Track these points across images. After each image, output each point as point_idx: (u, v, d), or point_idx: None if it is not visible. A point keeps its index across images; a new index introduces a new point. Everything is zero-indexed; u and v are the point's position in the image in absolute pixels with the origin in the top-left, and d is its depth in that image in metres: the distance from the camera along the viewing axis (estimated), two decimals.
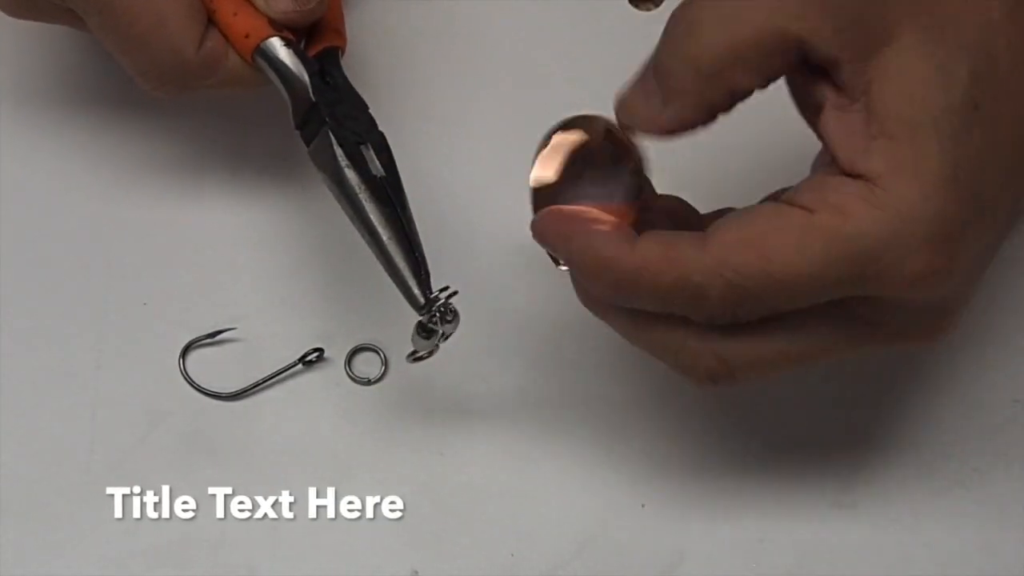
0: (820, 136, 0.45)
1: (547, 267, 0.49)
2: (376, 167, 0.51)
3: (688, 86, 0.44)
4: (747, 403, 0.58)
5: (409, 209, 0.51)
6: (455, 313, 0.51)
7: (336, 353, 0.58)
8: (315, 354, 0.57)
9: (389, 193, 0.51)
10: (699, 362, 0.47)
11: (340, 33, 0.54)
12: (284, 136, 0.61)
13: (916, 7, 0.43)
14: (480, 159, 0.61)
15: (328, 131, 0.51)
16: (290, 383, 0.58)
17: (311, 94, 0.52)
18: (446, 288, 0.51)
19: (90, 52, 0.61)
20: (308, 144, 0.52)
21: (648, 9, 0.65)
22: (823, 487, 0.57)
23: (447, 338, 0.52)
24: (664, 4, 0.64)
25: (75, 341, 0.58)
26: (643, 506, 0.57)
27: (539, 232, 0.47)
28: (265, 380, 0.57)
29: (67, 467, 0.56)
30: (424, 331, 0.51)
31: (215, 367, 0.58)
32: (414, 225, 0.51)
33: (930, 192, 0.42)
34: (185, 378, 0.58)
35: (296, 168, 0.61)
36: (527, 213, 0.48)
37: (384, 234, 0.50)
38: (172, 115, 0.61)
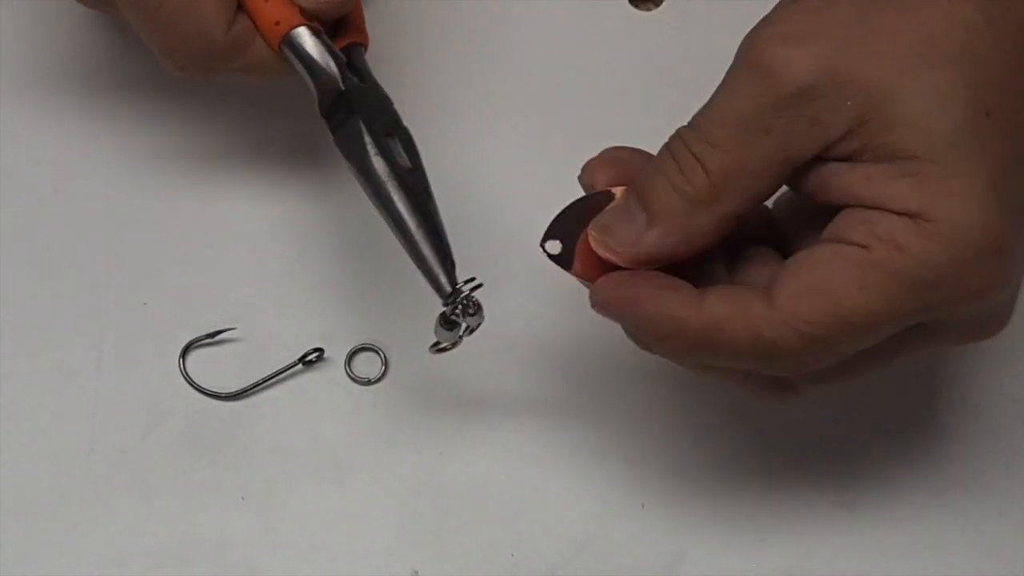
0: (815, 193, 0.44)
1: (548, 267, 0.49)
2: (403, 158, 0.51)
3: (676, 211, 0.45)
4: (747, 403, 0.58)
5: (435, 201, 0.51)
6: (478, 306, 0.50)
7: (336, 353, 0.58)
8: (315, 354, 0.57)
9: (415, 184, 0.51)
10: (766, 397, 0.48)
11: (363, 31, 0.55)
12: (284, 137, 0.61)
13: (892, 48, 0.43)
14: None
15: (358, 120, 0.51)
16: (290, 383, 0.58)
17: (341, 83, 0.52)
18: (471, 280, 0.50)
19: (77, 47, 0.61)
20: (334, 133, 0.52)
21: (648, 9, 0.65)
22: (823, 487, 0.57)
23: (472, 332, 0.51)
24: (664, 4, 0.64)
25: (75, 341, 0.58)
26: (643, 506, 0.57)
27: (602, 300, 0.46)
28: (265, 380, 0.57)
29: (67, 467, 0.56)
30: (447, 322, 0.51)
31: (215, 367, 0.58)
32: (440, 217, 0.51)
33: (973, 210, 0.42)
34: (185, 378, 0.58)
35: (296, 168, 0.61)
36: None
37: (411, 223, 0.50)
38: (171, 116, 0.61)
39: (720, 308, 0.44)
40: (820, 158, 0.44)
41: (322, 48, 0.52)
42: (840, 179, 0.43)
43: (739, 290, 0.45)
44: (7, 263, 0.59)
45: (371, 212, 0.60)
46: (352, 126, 0.52)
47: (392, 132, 0.52)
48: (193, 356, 0.58)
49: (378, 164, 0.51)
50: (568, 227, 0.48)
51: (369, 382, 0.58)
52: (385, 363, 0.58)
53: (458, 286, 0.50)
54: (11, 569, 0.55)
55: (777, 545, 0.56)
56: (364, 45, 0.54)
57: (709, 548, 0.56)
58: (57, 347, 0.58)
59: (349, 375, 0.58)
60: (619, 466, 0.57)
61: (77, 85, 0.62)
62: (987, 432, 0.58)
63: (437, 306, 0.59)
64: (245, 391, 0.57)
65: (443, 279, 0.50)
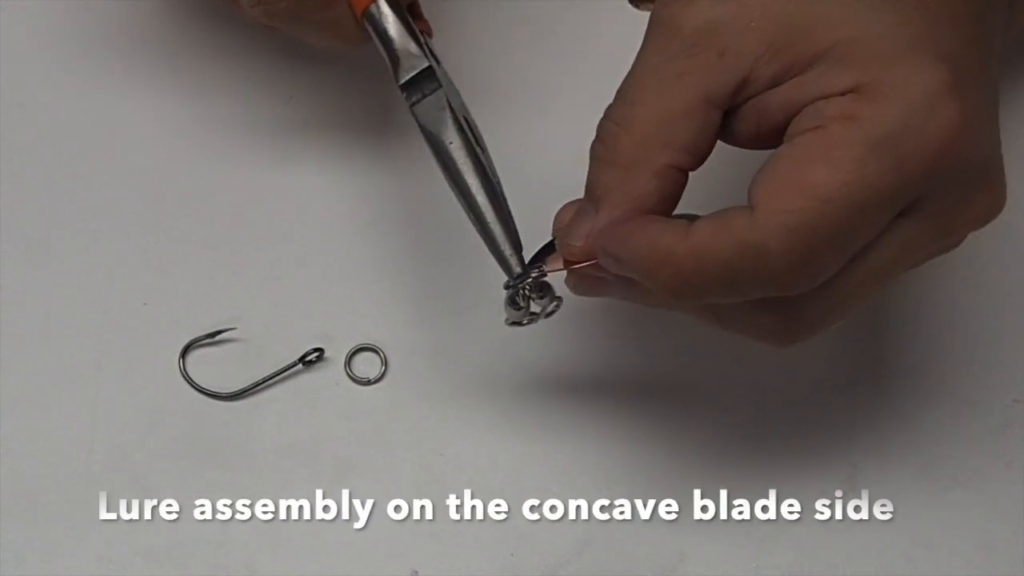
0: (758, 131, 0.44)
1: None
2: (478, 140, 0.52)
3: (613, 184, 0.45)
4: (748, 403, 0.58)
5: (502, 186, 0.51)
6: (544, 288, 0.50)
7: (336, 353, 0.58)
8: (315, 354, 0.57)
9: (486, 166, 0.51)
10: (777, 331, 0.46)
11: (426, 21, 0.55)
12: (283, 138, 0.61)
13: None
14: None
15: (444, 94, 0.52)
16: (290, 383, 0.58)
17: (426, 55, 0.53)
18: (539, 267, 0.50)
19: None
20: (414, 103, 0.53)
21: (648, 9, 0.64)
22: (823, 487, 0.57)
23: (549, 315, 0.51)
24: None
25: (75, 341, 0.58)
26: (643, 506, 0.57)
27: (600, 243, 0.46)
28: (265, 380, 0.57)
29: (67, 467, 0.56)
30: (513, 303, 0.50)
31: (215, 367, 0.58)
32: (506, 201, 0.51)
33: (910, 62, 0.42)
34: (185, 378, 0.58)
35: (296, 169, 0.61)
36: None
37: (480, 200, 0.50)
38: (170, 115, 0.61)
39: (705, 228, 0.43)
40: (747, 94, 0.44)
41: (400, 24, 0.53)
42: (774, 99, 0.43)
43: (723, 210, 0.44)
44: (7, 263, 0.59)
45: (371, 212, 0.60)
46: (435, 98, 0.52)
47: (465, 115, 0.53)
48: (193, 356, 0.58)
49: (458, 136, 0.51)
50: (552, 256, 0.49)
51: (369, 382, 0.58)
52: (385, 363, 0.58)
53: (519, 273, 0.50)
54: (11, 569, 0.55)
55: (777, 545, 0.56)
56: (429, 34, 0.55)
57: (709, 548, 0.56)
58: (57, 347, 0.58)
59: (349, 375, 0.58)
60: (619, 466, 0.57)
61: (76, 86, 0.62)
62: (987, 432, 0.58)
63: (437, 306, 0.59)
64: (245, 391, 0.57)
65: (511, 259, 0.50)
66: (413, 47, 0.53)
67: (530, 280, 0.49)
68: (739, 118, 0.45)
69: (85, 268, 0.59)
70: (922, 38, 0.42)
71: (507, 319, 0.51)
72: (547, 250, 0.49)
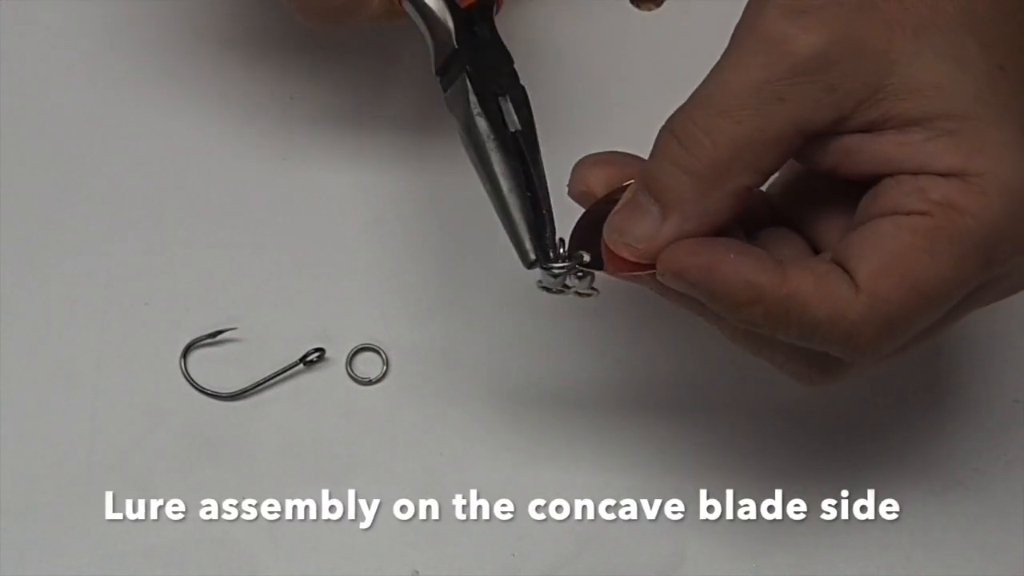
0: (837, 167, 0.44)
1: None
2: (512, 121, 0.50)
3: (689, 194, 0.44)
4: (748, 403, 0.58)
5: (541, 166, 0.50)
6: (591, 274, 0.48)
7: (336, 353, 0.58)
8: (315, 354, 0.57)
9: (521, 147, 0.50)
10: (810, 377, 0.46)
11: None
12: (284, 138, 0.61)
13: (899, 14, 0.42)
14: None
15: (466, 79, 0.51)
16: (290, 383, 0.58)
17: (454, 41, 0.52)
18: (577, 254, 0.48)
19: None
20: (446, 91, 0.52)
21: (648, 9, 0.65)
22: (824, 487, 0.57)
23: (582, 296, 0.49)
24: (664, 4, 0.64)
25: (75, 341, 0.58)
26: (643, 506, 0.57)
27: (675, 269, 0.44)
28: (265, 380, 0.57)
29: (67, 467, 0.56)
30: (553, 276, 0.48)
31: (215, 367, 0.58)
32: (545, 182, 0.49)
33: (1016, 158, 0.42)
34: (185, 378, 0.57)
35: (297, 169, 0.61)
36: None
37: (505, 185, 0.49)
38: (170, 115, 0.61)
39: (805, 281, 0.43)
40: (836, 131, 0.43)
41: (442, 3, 0.52)
42: (869, 148, 0.43)
43: (822, 265, 0.43)
44: (7, 263, 0.59)
45: (371, 212, 0.60)
46: (460, 85, 0.51)
47: (504, 92, 0.51)
48: (193, 356, 0.58)
49: (480, 124, 0.50)
50: (588, 235, 0.47)
51: (369, 382, 0.58)
52: (385, 363, 0.58)
53: (556, 263, 0.48)
54: (11, 569, 0.55)
55: (777, 545, 0.56)
56: (498, 2, 0.53)
57: (709, 548, 0.56)
58: (57, 347, 0.57)
59: (349, 375, 0.58)
60: (619, 466, 0.57)
61: (77, 86, 0.62)
62: (987, 432, 0.58)
63: (438, 306, 0.59)
64: (245, 391, 0.57)
65: (528, 245, 0.48)
66: (448, 28, 0.52)
67: (569, 269, 0.47)
68: (821, 149, 0.44)
69: (85, 268, 0.59)
70: (1021, 129, 0.42)
71: (540, 283, 0.49)
72: (584, 230, 0.47)
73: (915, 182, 0.42)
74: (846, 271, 0.43)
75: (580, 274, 0.48)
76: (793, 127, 0.43)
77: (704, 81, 0.44)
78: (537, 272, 0.48)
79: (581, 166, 0.48)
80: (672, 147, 0.44)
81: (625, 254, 0.45)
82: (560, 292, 0.49)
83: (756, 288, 0.43)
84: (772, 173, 0.44)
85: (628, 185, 0.47)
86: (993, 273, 0.43)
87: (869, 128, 0.43)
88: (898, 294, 0.42)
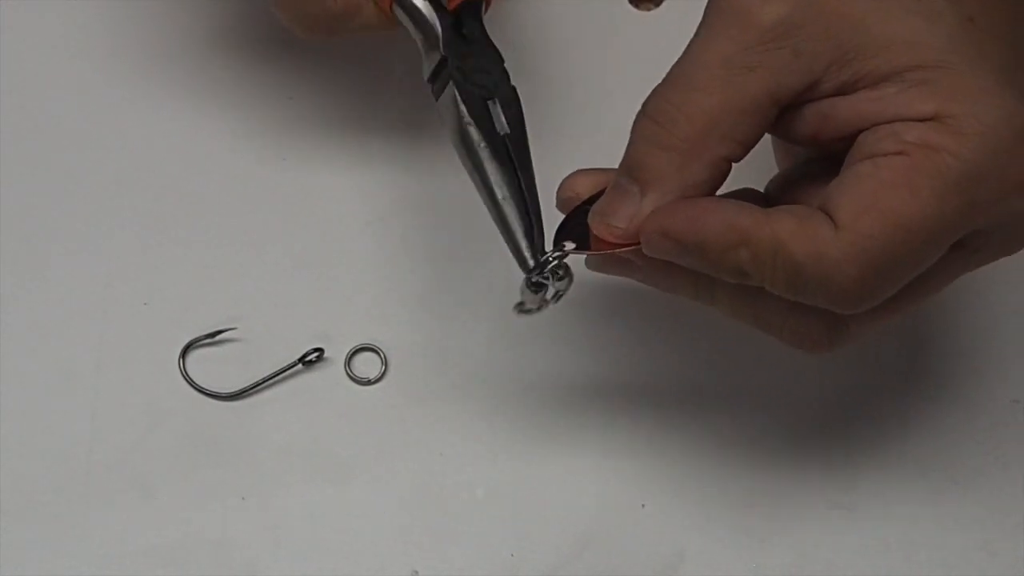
0: (817, 132, 0.44)
1: None
2: (501, 124, 0.50)
3: (667, 169, 0.44)
4: (748, 403, 0.58)
5: (531, 169, 0.50)
6: (567, 269, 0.48)
7: (336, 353, 0.58)
8: (315, 354, 0.57)
9: (511, 151, 0.50)
10: (816, 339, 0.46)
11: None
12: (283, 138, 0.61)
13: None
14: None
15: (453, 87, 0.51)
16: (290, 383, 0.58)
17: (441, 47, 0.51)
18: (562, 247, 0.48)
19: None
20: (437, 98, 0.52)
21: (648, 9, 0.65)
22: (823, 487, 0.57)
23: (559, 298, 0.50)
24: (664, 4, 0.64)
25: (75, 341, 0.58)
26: (643, 506, 0.57)
27: (657, 225, 0.45)
28: (265, 380, 0.57)
29: (67, 467, 0.56)
30: (533, 285, 0.49)
31: (215, 367, 0.58)
32: (534, 185, 0.50)
33: (993, 102, 0.42)
34: (185, 378, 0.58)
35: (297, 169, 0.61)
36: None
37: (499, 193, 0.49)
38: (170, 115, 0.61)
39: (787, 222, 0.43)
40: (810, 97, 0.43)
41: (431, 8, 0.52)
42: (844, 108, 0.43)
43: (804, 208, 0.44)
44: (7, 263, 0.59)
45: (371, 212, 0.60)
46: (449, 92, 0.51)
47: (492, 95, 0.51)
48: (193, 356, 0.58)
49: (472, 132, 0.50)
50: (575, 229, 0.48)
51: (369, 382, 0.58)
52: (385, 363, 0.58)
53: (543, 257, 0.48)
54: (11, 569, 0.55)
55: (777, 545, 0.56)
56: (487, 2, 0.53)
57: (709, 548, 0.56)
58: (57, 347, 0.57)
59: (349, 375, 0.58)
60: (619, 466, 0.57)
61: (77, 86, 0.62)
62: (986, 432, 0.58)
63: (437, 306, 0.59)
64: (245, 391, 0.57)
65: (526, 252, 0.49)
66: (437, 33, 0.52)
67: (559, 256, 0.48)
68: (798, 118, 0.44)
69: (85, 268, 0.59)
70: (1004, 72, 0.42)
71: (520, 305, 0.50)
72: (568, 229, 0.48)
73: (890, 128, 0.43)
74: (827, 214, 0.43)
75: (560, 274, 0.48)
76: (766, 94, 0.43)
77: (675, 63, 0.45)
78: (517, 295, 0.49)
79: (569, 178, 0.49)
80: (648, 127, 0.45)
81: (609, 236, 0.46)
82: (540, 307, 0.49)
83: (739, 230, 0.43)
84: (750, 145, 0.44)
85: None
86: (979, 217, 0.43)
87: (842, 90, 0.43)
88: (879, 229, 0.42)
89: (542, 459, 0.57)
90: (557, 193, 0.49)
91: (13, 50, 0.62)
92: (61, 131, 0.61)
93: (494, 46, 0.52)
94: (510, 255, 0.59)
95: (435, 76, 0.52)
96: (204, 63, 0.62)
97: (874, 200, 0.42)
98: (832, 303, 0.44)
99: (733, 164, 0.45)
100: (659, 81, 0.63)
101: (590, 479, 0.57)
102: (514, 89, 0.51)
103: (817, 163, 0.46)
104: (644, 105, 0.45)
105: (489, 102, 0.51)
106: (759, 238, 0.43)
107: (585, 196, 0.48)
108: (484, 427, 0.57)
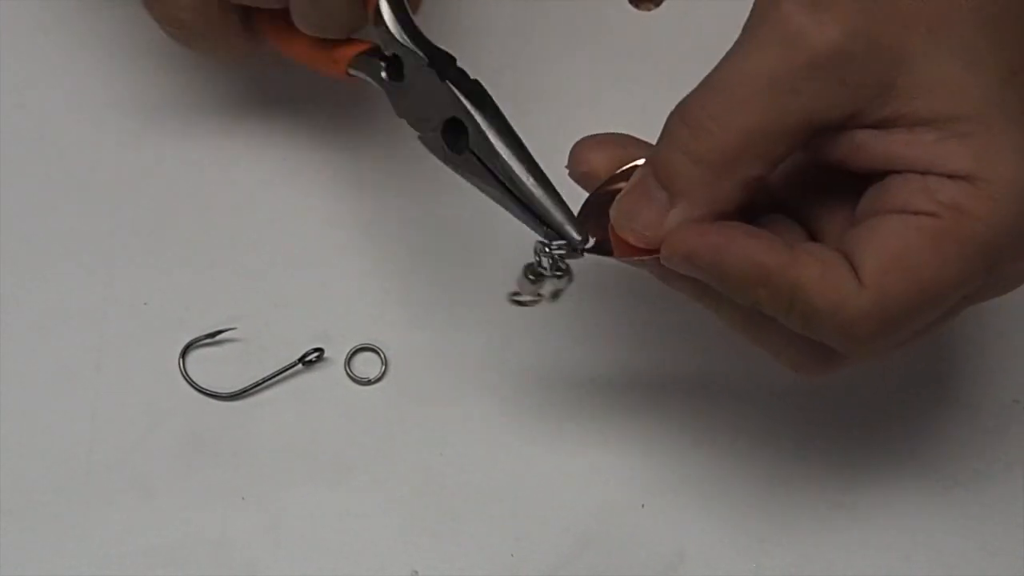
0: (845, 160, 0.44)
1: None
2: (475, 136, 0.48)
3: (699, 182, 0.43)
4: (748, 403, 0.58)
5: (525, 148, 0.48)
6: (568, 268, 0.48)
7: (336, 353, 0.58)
8: (315, 354, 0.57)
9: (500, 150, 0.48)
10: (809, 366, 0.46)
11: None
12: (283, 138, 0.61)
13: (915, 13, 0.42)
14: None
15: (419, 137, 0.50)
16: (290, 383, 0.58)
17: (394, 108, 0.51)
18: (564, 244, 0.47)
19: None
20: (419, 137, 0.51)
21: (648, 9, 0.65)
22: (823, 487, 0.57)
23: (558, 297, 0.49)
24: (664, 4, 0.64)
25: (75, 341, 0.58)
26: (643, 506, 0.57)
27: (684, 251, 0.44)
28: (265, 380, 0.57)
29: (67, 467, 0.56)
30: (533, 274, 0.48)
31: (215, 367, 0.58)
32: (536, 164, 0.48)
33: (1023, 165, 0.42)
34: (185, 378, 0.58)
35: (297, 169, 0.61)
36: None
37: (523, 184, 0.47)
38: (170, 115, 0.61)
39: (812, 268, 0.43)
40: (847, 125, 0.43)
41: (375, 67, 0.51)
42: (878, 145, 0.43)
43: (828, 253, 0.43)
44: (7, 263, 0.59)
45: (371, 212, 0.60)
46: (422, 137, 0.50)
47: (449, 114, 0.49)
48: (193, 356, 0.58)
49: (457, 168, 0.49)
50: (594, 219, 0.47)
51: (369, 382, 0.58)
52: (385, 363, 0.58)
53: (548, 245, 0.47)
54: (11, 569, 0.55)
55: (777, 545, 0.56)
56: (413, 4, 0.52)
57: (709, 548, 0.56)
58: (57, 347, 0.58)
59: (349, 375, 0.58)
60: (619, 466, 0.57)
61: (76, 86, 0.62)
62: (987, 432, 0.58)
63: (437, 306, 0.59)
64: (245, 391, 0.57)
65: (569, 227, 0.46)
66: (384, 84, 0.51)
67: (585, 248, 0.47)
68: (831, 143, 0.44)
69: (85, 268, 0.59)
70: None
71: (514, 295, 0.49)
72: (586, 214, 0.47)
73: (923, 181, 0.42)
74: (851, 263, 0.43)
75: (559, 272, 0.47)
76: (806, 120, 0.43)
77: (716, 69, 0.44)
78: (512, 284, 0.48)
79: (581, 147, 0.48)
80: (682, 134, 0.44)
81: (632, 240, 0.45)
82: (534, 301, 0.49)
83: (763, 269, 0.43)
84: (779, 163, 0.44)
85: (633, 167, 0.46)
86: (994, 276, 0.43)
87: (879, 125, 0.43)
88: (902, 291, 0.42)
89: (542, 459, 0.57)
90: (571, 166, 0.48)
91: (13, 50, 0.62)
92: (61, 131, 0.61)
93: (439, 49, 0.50)
94: (510, 255, 0.59)
95: (406, 114, 0.51)
96: (204, 63, 0.62)
97: (900, 262, 0.42)
98: (843, 348, 0.44)
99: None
100: (659, 81, 0.63)
101: (590, 479, 0.57)
102: (477, 82, 0.49)
103: (822, 168, 0.46)
104: (681, 108, 0.44)
105: (447, 122, 0.49)
106: (781, 281, 0.43)
107: (601, 172, 0.47)
108: (484, 427, 0.57)
